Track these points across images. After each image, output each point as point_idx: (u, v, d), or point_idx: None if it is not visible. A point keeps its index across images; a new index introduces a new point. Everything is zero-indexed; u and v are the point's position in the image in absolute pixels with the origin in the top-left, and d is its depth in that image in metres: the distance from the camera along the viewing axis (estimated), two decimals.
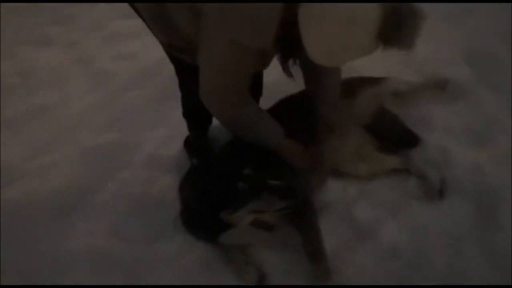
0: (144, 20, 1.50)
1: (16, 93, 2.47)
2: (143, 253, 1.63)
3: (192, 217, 1.44)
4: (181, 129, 1.96)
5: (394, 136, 1.89)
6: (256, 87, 1.77)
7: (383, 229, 1.64)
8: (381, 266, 1.54)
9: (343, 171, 1.80)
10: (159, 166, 1.95)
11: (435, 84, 2.06)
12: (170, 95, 2.01)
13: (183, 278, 1.54)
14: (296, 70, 1.52)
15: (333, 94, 1.72)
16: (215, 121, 1.71)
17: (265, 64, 1.50)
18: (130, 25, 2.62)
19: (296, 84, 1.62)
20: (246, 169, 1.37)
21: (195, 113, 1.83)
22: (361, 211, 1.69)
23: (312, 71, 1.67)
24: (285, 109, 1.76)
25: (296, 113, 1.73)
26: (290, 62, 1.43)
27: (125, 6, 1.55)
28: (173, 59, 1.60)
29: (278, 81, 2.05)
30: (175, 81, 1.76)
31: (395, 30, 1.19)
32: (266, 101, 1.79)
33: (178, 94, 1.83)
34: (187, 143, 1.94)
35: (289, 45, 1.33)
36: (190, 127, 1.92)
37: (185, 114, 1.88)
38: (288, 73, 1.46)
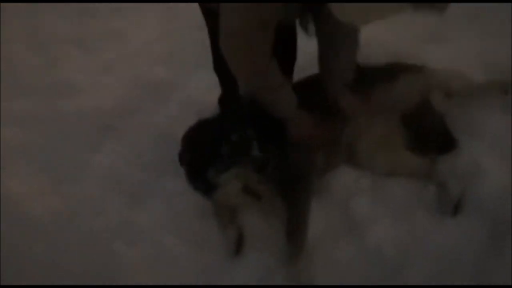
0: None
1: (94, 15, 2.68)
2: (150, 183, 1.78)
3: (186, 169, 1.51)
4: None
5: (430, 136, 1.75)
6: (289, 50, 1.73)
7: (375, 230, 1.55)
8: (356, 267, 1.49)
9: (359, 161, 1.71)
10: (194, 109, 2.03)
11: (499, 87, 1.82)
12: None
13: (173, 216, 1.66)
14: None
15: (345, 72, 1.65)
16: None
17: (288, 14, 1.43)
18: None
19: None
20: (233, 135, 1.39)
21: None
22: (361, 205, 1.61)
23: (329, 38, 1.60)
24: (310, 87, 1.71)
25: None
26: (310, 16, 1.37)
27: None
28: (205, 11, 1.61)
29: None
30: None
31: None
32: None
33: None
34: (220, 100, 1.97)
35: None
36: (221, 82, 1.93)
37: (216, 68, 1.88)
38: (305, 28, 1.40)
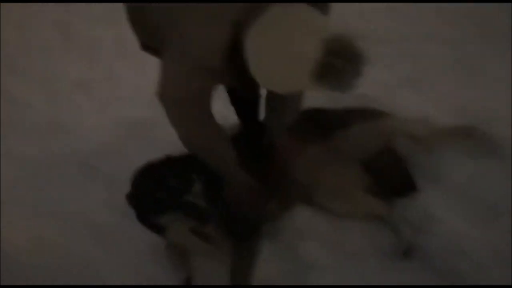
0: None
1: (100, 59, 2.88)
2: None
3: (134, 210, 1.58)
4: None
5: (391, 180, 1.74)
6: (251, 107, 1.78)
7: (324, 275, 1.55)
8: None
9: (315, 204, 1.71)
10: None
11: (463, 132, 1.79)
12: None
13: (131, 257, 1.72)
14: None
15: (283, 117, 1.66)
16: None
17: (224, 80, 1.48)
18: None
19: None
20: (172, 180, 1.46)
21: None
22: (312, 249, 1.62)
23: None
24: None
25: None
26: None
27: None
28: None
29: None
30: None
31: (332, 73, 1.14)
32: None
33: None
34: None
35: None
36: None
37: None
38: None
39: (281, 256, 1.63)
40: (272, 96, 1.63)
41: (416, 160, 1.78)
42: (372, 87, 2.11)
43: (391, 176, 1.74)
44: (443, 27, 2.54)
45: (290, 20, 1.15)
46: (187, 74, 1.29)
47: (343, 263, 1.58)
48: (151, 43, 1.52)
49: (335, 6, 1.41)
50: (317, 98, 2.01)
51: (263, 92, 1.71)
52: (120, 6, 1.57)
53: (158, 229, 1.57)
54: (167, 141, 2.16)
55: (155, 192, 1.49)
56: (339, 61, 1.15)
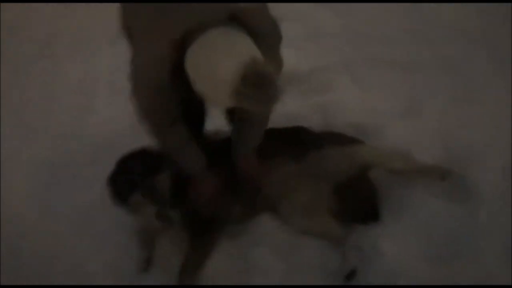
0: None
1: None
2: None
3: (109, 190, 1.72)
4: None
5: (358, 207, 1.81)
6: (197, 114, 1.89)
7: (265, 278, 1.66)
8: None
9: (279, 216, 1.80)
10: None
11: (438, 173, 1.81)
12: None
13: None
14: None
15: (252, 140, 1.74)
16: None
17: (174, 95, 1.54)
18: None
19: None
20: (141, 165, 1.65)
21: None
22: (263, 253, 1.72)
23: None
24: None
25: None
26: None
27: None
28: None
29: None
30: None
31: (250, 95, 1.25)
32: None
33: None
34: None
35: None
36: None
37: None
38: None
39: (233, 256, 1.74)
40: (237, 118, 1.74)
41: (386, 191, 1.83)
42: (366, 113, 2.20)
43: (358, 203, 1.79)
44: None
45: (219, 43, 1.27)
46: (147, 94, 1.48)
47: (289, 272, 1.68)
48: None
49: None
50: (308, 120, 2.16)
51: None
52: None
53: (127, 210, 1.74)
54: None
55: (125, 174, 1.67)
56: (250, 88, 1.24)
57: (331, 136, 1.94)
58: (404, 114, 2.16)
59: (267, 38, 1.42)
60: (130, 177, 1.65)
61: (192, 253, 1.71)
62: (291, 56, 2.32)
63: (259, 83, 1.24)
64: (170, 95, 1.51)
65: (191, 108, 1.73)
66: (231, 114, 1.84)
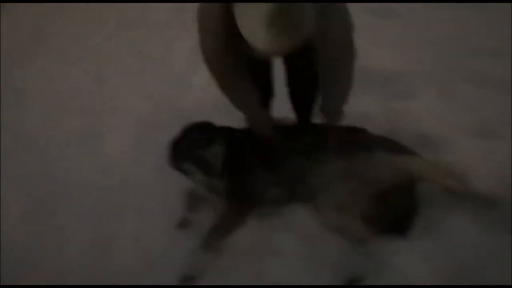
0: None
1: None
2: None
3: (169, 153, 1.93)
4: None
5: (391, 218, 1.77)
6: (265, 88, 2.02)
7: (280, 261, 1.74)
8: None
9: (314, 206, 1.84)
10: None
11: (483, 200, 1.68)
12: None
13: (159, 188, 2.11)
14: None
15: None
16: None
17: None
18: None
19: None
20: (197, 136, 1.85)
21: None
22: (286, 241, 1.80)
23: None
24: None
25: None
26: None
27: None
28: None
29: None
30: None
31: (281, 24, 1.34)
32: None
33: None
34: None
35: None
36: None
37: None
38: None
39: (258, 234, 1.85)
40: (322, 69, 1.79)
41: (425, 207, 1.76)
42: (438, 125, 2.10)
43: (393, 215, 1.76)
44: None
45: None
46: (207, 39, 1.65)
47: (304, 261, 1.74)
48: None
49: None
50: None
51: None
52: None
53: (181, 174, 1.96)
54: None
55: (183, 142, 1.88)
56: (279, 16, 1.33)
57: (385, 142, 1.91)
58: (477, 133, 2.02)
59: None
60: (186, 146, 1.86)
61: (224, 218, 1.87)
62: (384, 56, 2.31)
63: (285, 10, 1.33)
64: (229, 48, 1.65)
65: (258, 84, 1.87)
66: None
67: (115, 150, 2.40)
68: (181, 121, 1.97)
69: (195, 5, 1.64)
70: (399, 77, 2.51)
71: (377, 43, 2.63)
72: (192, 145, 1.87)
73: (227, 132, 1.96)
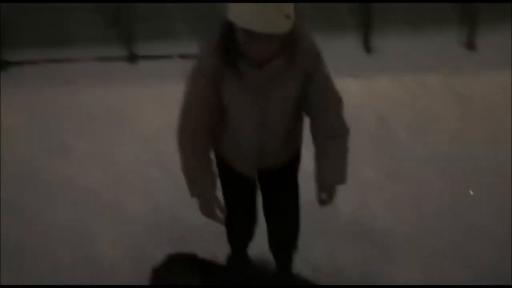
0: None
1: None
2: None
3: None
4: None
5: None
6: (248, 213, 2.00)
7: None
8: None
9: None
10: None
11: None
12: None
13: None
14: None
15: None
16: None
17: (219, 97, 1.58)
18: None
19: None
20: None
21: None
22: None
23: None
24: None
25: None
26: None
27: None
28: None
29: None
30: None
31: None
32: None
33: None
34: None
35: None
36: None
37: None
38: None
39: None
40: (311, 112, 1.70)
41: None
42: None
43: None
44: None
45: None
46: (190, 108, 1.62)
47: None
48: None
49: None
50: None
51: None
52: None
53: None
54: None
55: (163, 270, 1.76)
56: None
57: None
58: None
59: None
60: (164, 274, 1.76)
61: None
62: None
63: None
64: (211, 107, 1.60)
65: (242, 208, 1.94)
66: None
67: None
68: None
69: None
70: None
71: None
72: (168, 275, 1.79)
73: (207, 269, 1.82)
